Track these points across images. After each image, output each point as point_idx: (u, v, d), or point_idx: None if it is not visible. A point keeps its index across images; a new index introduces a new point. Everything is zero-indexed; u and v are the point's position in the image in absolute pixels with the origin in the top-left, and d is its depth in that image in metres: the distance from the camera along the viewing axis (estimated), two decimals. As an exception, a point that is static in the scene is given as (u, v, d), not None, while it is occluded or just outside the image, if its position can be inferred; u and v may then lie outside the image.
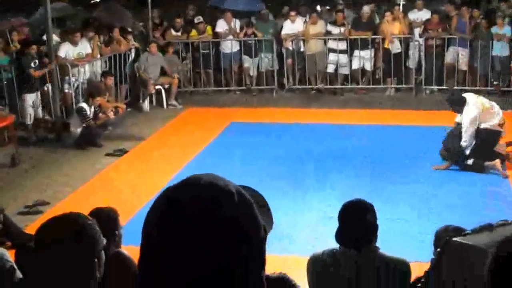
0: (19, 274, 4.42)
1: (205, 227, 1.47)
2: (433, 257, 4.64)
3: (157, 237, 1.50)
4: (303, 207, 9.67)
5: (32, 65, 13.41)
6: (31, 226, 8.40)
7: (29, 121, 13.54)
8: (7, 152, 12.36)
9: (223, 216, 1.49)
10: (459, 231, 4.83)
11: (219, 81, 17.72)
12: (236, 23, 17.45)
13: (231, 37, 17.29)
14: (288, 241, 8.25)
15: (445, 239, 4.19)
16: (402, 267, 4.62)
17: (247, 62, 17.31)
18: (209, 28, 17.48)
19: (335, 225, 4.64)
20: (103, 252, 2.63)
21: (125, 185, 10.93)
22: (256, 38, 17.16)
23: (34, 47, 13.70)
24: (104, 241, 2.64)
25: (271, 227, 1.71)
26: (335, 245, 4.60)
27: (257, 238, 1.55)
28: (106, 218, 5.02)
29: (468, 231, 3.81)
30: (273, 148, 12.53)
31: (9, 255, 4.87)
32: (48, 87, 13.88)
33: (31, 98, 13.53)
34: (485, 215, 8.25)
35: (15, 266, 4.57)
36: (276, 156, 12.05)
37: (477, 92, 14.78)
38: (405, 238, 8.22)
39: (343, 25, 16.86)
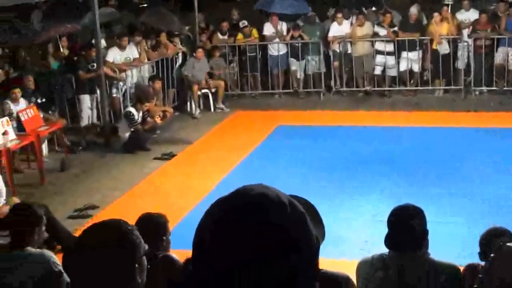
0: (66, 278, 4.45)
1: (257, 236, 1.48)
2: (484, 262, 4.58)
3: (210, 243, 1.52)
4: (352, 211, 9.63)
5: (89, 67, 13.61)
6: (81, 230, 8.46)
7: (87, 122, 13.73)
8: (57, 157, 12.52)
9: (274, 226, 1.50)
10: (506, 233, 4.75)
11: (266, 84, 17.69)
12: (283, 26, 17.44)
13: (277, 40, 17.27)
14: (337, 244, 8.20)
15: (497, 243, 4.13)
16: (453, 272, 4.56)
17: (294, 65, 17.28)
18: (255, 31, 17.50)
19: (384, 228, 4.59)
20: (144, 258, 2.66)
21: (173, 189, 10.98)
22: (303, 41, 17.11)
23: (91, 51, 13.87)
24: (146, 247, 2.67)
25: (323, 238, 1.71)
26: (384, 249, 4.55)
27: (309, 248, 1.55)
28: (155, 224, 5.05)
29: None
30: (320, 151, 12.49)
31: (57, 259, 4.90)
32: (97, 91, 14.02)
33: (88, 100, 13.73)
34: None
35: (63, 270, 4.60)
36: (324, 159, 12.01)
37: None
38: (456, 242, 8.11)
39: (390, 26, 16.74)
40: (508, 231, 4.84)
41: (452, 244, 7.87)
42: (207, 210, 1.58)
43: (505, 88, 16.07)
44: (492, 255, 3.82)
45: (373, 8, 19.04)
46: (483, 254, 4.80)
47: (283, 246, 1.49)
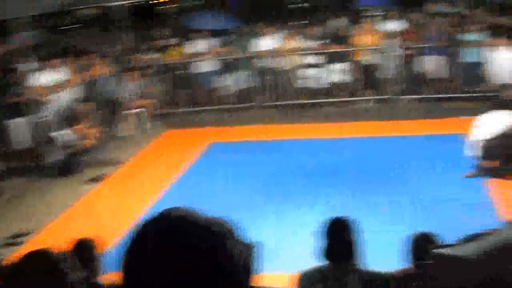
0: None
1: (179, 259, 1.48)
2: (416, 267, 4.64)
3: (134, 266, 1.52)
4: (291, 224, 9.65)
5: (16, 90, 13.40)
6: (14, 257, 8.31)
7: (18, 146, 13.50)
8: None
9: (197, 248, 1.50)
10: (434, 239, 4.82)
11: (197, 101, 17.65)
12: (213, 42, 17.44)
13: (207, 56, 17.26)
14: (277, 258, 8.20)
15: (428, 249, 4.18)
16: (388, 280, 4.61)
17: (225, 80, 17.29)
18: (185, 48, 17.47)
19: (320, 239, 4.62)
20: (77, 283, 2.63)
21: (107, 211, 10.87)
22: (233, 56, 17.15)
23: (17, 74, 13.69)
24: (78, 272, 2.65)
25: (251, 258, 1.71)
26: (324, 261, 4.58)
27: (233, 268, 1.54)
28: (85, 248, 5.01)
29: (454, 242, 3.80)
30: (254, 165, 12.52)
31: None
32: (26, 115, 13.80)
33: (16, 123, 13.51)
34: (466, 223, 8.30)
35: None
36: (259, 174, 12.04)
37: (455, 99, 14.95)
38: (394, 249, 8.19)
39: (319, 39, 16.91)
40: (437, 235, 4.91)
41: (393, 252, 7.95)
42: (131, 234, 1.57)
43: (431, 96, 16.36)
44: (425, 261, 3.88)
45: (302, 22, 19.25)
46: (414, 260, 4.86)
47: (207, 267, 1.49)
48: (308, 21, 19.15)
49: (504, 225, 4.11)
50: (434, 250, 3.85)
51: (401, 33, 16.73)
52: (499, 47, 12.63)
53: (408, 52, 16.47)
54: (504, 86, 12.62)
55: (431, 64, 16.31)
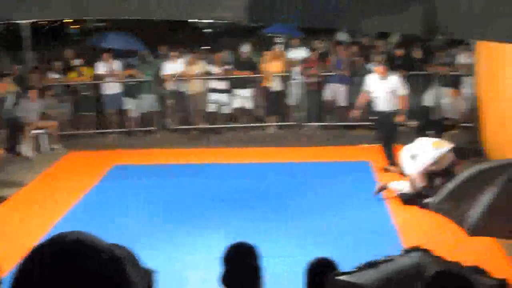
0: None
1: (72, 283, 1.46)
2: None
3: None
4: (193, 250, 9.62)
5: None
6: None
7: None
8: None
9: (90, 273, 1.48)
10: (332, 265, 4.91)
11: (101, 124, 17.45)
12: (116, 64, 17.29)
13: (111, 78, 17.11)
14: (178, 283, 8.17)
15: (327, 276, 4.26)
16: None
17: (129, 103, 17.16)
18: (88, 69, 17.28)
19: (219, 266, 4.63)
20: None
21: (5, 234, 10.59)
22: (137, 79, 17.05)
23: None
24: None
25: (148, 284, 1.71)
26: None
27: None
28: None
29: (353, 269, 3.89)
30: (158, 190, 12.44)
31: None
32: None
33: None
34: (365, 249, 8.45)
35: None
36: (162, 198, 11.97)
37: (359, 127, 15.30)
38: (295, 276, 8.26)
39: (223, 64, 17.01)
40: (333, 261, 4.97)
41: (293, 279, 8.01)
42: (24, 258, 1.55)
43: (334, 123, 16.66)
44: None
45: (206, 47, 19.31)
46: (313, 287, 4.91)
47: None
48: (214, 46, 19.26)
49: (401, 253, 4.24)
50: (332, 277, 3.92)
51: (306, 61, 16.99)
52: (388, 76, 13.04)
53: (313, 79, 16.72)
54: (393, 113, 12.96)
55: (335, 92, 16.61)
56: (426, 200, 10.13)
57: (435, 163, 11.14)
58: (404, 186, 11.53)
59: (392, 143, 13.19)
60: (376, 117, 13.50)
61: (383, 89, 13.08)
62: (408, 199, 11.35)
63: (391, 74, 13.30)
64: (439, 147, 11.33)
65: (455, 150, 11.35)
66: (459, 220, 5.12)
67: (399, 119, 13.08)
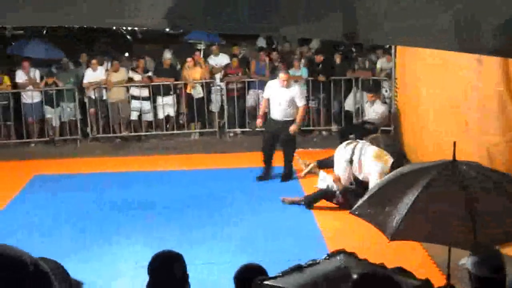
0: None
1: None
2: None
3: None
4: (115, 259, 9.54)
5: None
6: None
7: None
8: None
9: (14, 285, 1.45)
10: (260, 271, 4.93)
11: (20, 133, 17.10)
12: (36, 73, 17.00)
13: (31, 87, 16.80)
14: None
15: (253, 281, 4.28)
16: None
17: (49, 112, 16.87)
18: (7, 78, 16.93)
19: (146, 275, 4.60)
20: None
21: None
22: (57, 88, 16.79)
23: None
24: None
25: None
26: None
27: None
28: None
29: (278, 273, 3.91)
30: (80, 199, 12.29)
31: None
32: None
33: None
34: (292, 254, 8.52)
35: None
36: (85, 207, 11.84)
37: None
38: (221, 282, 8.27)
39: (144, 71, 16.92)
40: (261, 267, 5.00)
41: (220, 285, 8.01)
42: None
43: (257, 129, 16.75)
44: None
45: (127, 54, 19.20)
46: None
47: None
48: (136, 53, 19.14)
49: (326, 257, 4.29)
50: (257, 282, 3.94)
51: (227, 67, 17.04)
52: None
53: (234, 86, 16.76)
54: (290, 122, 13.00)
55: (258, 98, 16.68)
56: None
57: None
58: (329, 182, 11.71)
59: (292, 155, 13.31)
60: (270, 125, 13.29)
61: (283, 97, 12.89)
62: (313, 201, 11.61)
63: (293, 83, 13.32)
64: (380, 161, 11.46)
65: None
66: (380, 226, 5.18)
67: (293, 128, 13.03)
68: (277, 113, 13.01)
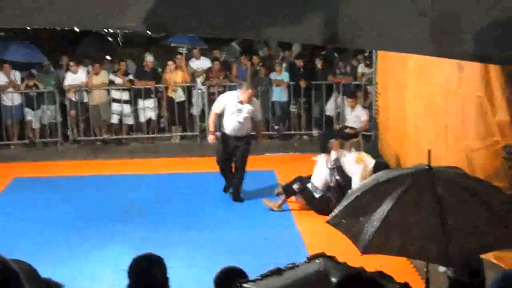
0: None
1: None
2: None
3: None
4: (94, 262, 9.50)
5: None
6: None
7: None
8: None
9: None
10: (241, 274, 4.94)
11: (0, 136, 17.01)
12: (16, 75, 16.92)
13: (11, 89, 16.72)
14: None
15: (232, 284, 4.28)
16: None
17: (29, 114, 16.80)
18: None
19: (125, 278, 4.59)
20: None
21: None
22: (38, 90, 16.71)
23: None
24: None
25: None
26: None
27: None
28: None
29: (258, 277, 3.91)
30: (60, 202, 12.24)
31: None
32: None
33: None
34: (271, 257, 8.52)
35: None
36: (64, 211, 11.78)
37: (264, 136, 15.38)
38: (201, 285, 8.25)
39: (125, 74, 16.88)
40: (241, 270, 5.00)
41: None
42: None
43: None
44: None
45: (108, 57, 19.14)
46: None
47: None
48: (117, 56, 19.09)
49: (306, 260, 4.29)
50: (237, 285, 3.94)
51: (209, 71, 17.04)
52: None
53: (215, 89, 16.75)
54: (246, 137, 12.71)
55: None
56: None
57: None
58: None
59: (244, 172, 12.49)
60: (225, 141, 12.36)
61: (244, 114, 12.05)
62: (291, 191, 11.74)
63: (253, 99, 12.46)
64: (361, 163, 11.50)
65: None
66: (354, 238, 5.07)
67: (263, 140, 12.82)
68: (235, 129, 12.16)
